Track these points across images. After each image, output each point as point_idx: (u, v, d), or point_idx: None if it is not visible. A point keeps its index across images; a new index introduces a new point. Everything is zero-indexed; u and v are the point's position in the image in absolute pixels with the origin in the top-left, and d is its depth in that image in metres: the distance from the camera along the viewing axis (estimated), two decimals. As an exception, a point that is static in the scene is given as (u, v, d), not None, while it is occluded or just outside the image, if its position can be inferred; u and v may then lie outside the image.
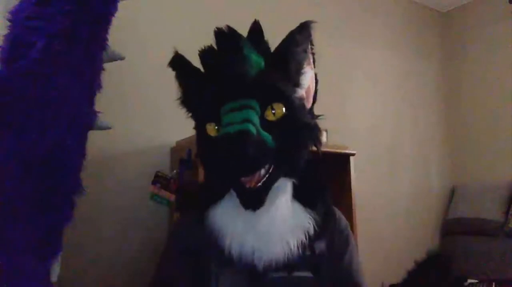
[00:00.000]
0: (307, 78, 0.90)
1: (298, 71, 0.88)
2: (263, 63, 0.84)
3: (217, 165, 0.79)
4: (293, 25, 0.90)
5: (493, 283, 2.04)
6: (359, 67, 2.62)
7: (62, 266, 0.94)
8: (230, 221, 0.82)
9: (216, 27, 0.83)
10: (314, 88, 0.94)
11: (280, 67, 0.84)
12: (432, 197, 2.92)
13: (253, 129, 0.76)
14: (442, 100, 3.10)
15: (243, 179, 0.78)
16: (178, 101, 0.94)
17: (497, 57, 2.88)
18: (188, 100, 0.93)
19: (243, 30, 0.87)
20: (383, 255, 2.43)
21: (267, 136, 0.79)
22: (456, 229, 2.77)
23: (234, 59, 0.81)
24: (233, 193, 0.84)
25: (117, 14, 0.97)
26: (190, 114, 0.94)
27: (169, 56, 0.91)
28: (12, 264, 0.82)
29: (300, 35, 0.88)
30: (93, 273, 1.57)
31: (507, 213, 2.59)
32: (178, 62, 0.91)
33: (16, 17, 0.90)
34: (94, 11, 0.91)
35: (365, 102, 2.61)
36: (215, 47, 0.85)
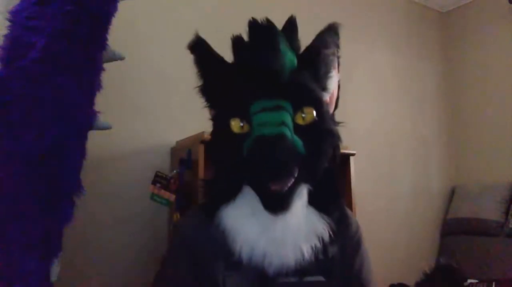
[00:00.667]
0: (333, 82, 0.87)
1: (326, 75, 0.84)
2: (296, 62, 0.80)
3: (243, 166, 0.75)
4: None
5: (493, 283, 2.04)
6: (359, 67, 2.61)
7: (62, 266, 0.94)
8: (243, 223, 0.78)
9: (252, 18, 0.77)
10: (337, 94, 0.91)
11: (310, 68, 0.81)
12: (432, 197, 2.92)
13: (289, 134, 0.72)
14: (442, 100, 3.10)
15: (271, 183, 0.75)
16: (197, 89, 0.86)
17: (497, 57, 2.87)
18: (209, 90, 0.86)
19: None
20: (383, 255, 2.43)
21: (298, 141, 0.75)
22: (456, 229, 2.77)
23: (270, 54, 0.75)
24: (245, 194, 0.80)
25: (117, 14, 0.98)
26: (208, 104, 0.88)
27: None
28: (12, 264, 0.82)
29: (330, 37, 0.85)
30: (93, 273, 1.57)
31: (507, 213, 2.58)
32: (199, 46, 0.84)
33: (16, 17, 0.90)
34: (94, 11, 0.91)
35: (365, 102, 2.61)
36: (247, 38, 0.79)
